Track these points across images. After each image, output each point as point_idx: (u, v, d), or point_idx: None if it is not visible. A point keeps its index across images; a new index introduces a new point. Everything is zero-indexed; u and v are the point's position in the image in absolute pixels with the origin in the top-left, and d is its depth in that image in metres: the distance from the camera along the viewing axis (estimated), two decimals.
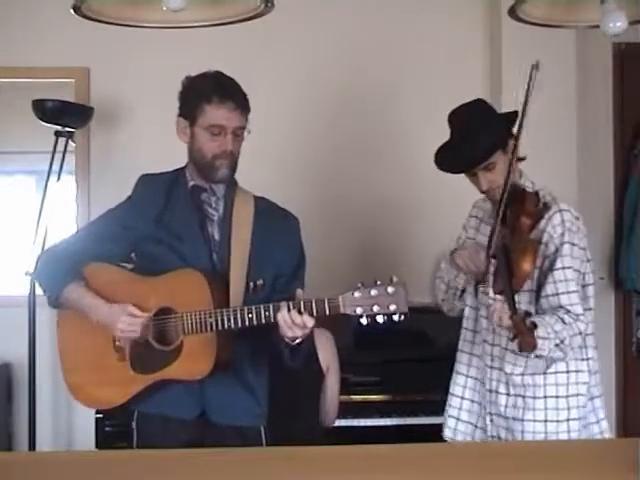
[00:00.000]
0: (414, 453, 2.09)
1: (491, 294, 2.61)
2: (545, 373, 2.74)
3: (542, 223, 2.70)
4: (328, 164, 4.35)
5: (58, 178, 4.06)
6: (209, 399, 2.59)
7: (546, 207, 2.71)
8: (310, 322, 2.37)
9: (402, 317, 2.32)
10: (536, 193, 2.71)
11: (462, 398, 2.94)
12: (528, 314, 2.47)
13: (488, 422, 2.84)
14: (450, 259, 2.86)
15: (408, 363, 3.68)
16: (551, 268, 2.69)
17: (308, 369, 3.30)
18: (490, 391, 2.83)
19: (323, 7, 4.31)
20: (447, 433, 2.96)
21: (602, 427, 2.83)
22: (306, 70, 4.31)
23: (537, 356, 2.59)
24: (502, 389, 2.80)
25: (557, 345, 2.58)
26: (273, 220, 2.66)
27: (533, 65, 2.61)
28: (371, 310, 2.31)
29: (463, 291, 2.93)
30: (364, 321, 2.33)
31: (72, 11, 2.42)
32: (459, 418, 2.94)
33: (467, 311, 2.93)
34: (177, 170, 2.70)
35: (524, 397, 2.76)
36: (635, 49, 4.45)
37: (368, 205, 4.34)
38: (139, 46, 4.11)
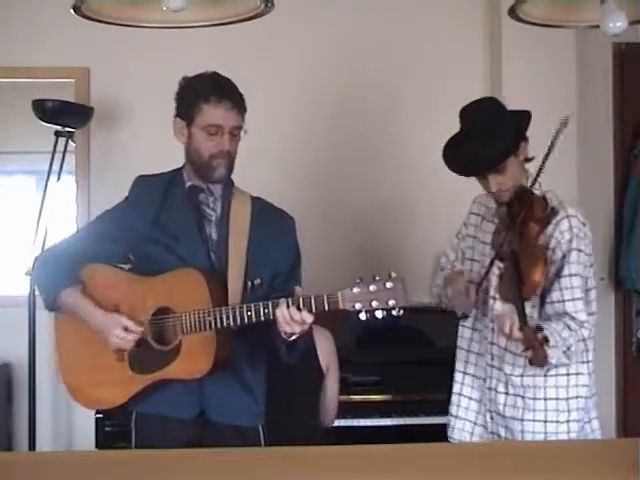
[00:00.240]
0: (414, 453, 2.10)
1: (497, 306, 2.62)
2: (546, 375, 2.74)
3: (549, 228, 2.69)
4: (328, 164, 4.35)
5: (58, 178, 4.06)
6: (208, 398, 2.59)
7: (554, 212, 2.70)
8: (309, 318, 2.37)
9: (401, 312, 2.32)
10: (544, 197, 2.70)
11: (463, 395, 2.94)
12: (540, 328, 2.46)
13: (488, 419, 2.85)
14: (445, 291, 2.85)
15: (408, 363, 3.67)
16: (558, 275, 2.68)
17: (307, 368, 3.31)
18: (490, 389, 2.83)
19: (323, 7, 4.31)
20: (449, 432, 2.96)
21: (593, 426, 2.83)
22: (306, 70, 4.31)
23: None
24: (501, 388, 2.80)
25: (564, 352, 2.59)
26: (269, 220, 2.67)
27: (562, 121, 2.60)
28: (370, 305, 2.31)
29: None
30: (363, 316, 2.32)
31: (72, 11, 2.43)
32: (460, 416, 2.94)
33: None
34: (174, 171, 2.71)
35: (523, 397, 2.76)
36: (635, 49, 4.45)
37: (367, 205, 4.34)
38: (139, 46, 4.11)
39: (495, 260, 2.66)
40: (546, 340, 2.45)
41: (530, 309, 2.66)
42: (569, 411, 2.75)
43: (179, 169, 2.70)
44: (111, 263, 2.69)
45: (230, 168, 2.62)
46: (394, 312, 2.32)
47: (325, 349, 3.37)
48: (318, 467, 1.97)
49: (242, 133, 2.61)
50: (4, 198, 4.84)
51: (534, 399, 2.75)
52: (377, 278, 2.33)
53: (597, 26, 2.55)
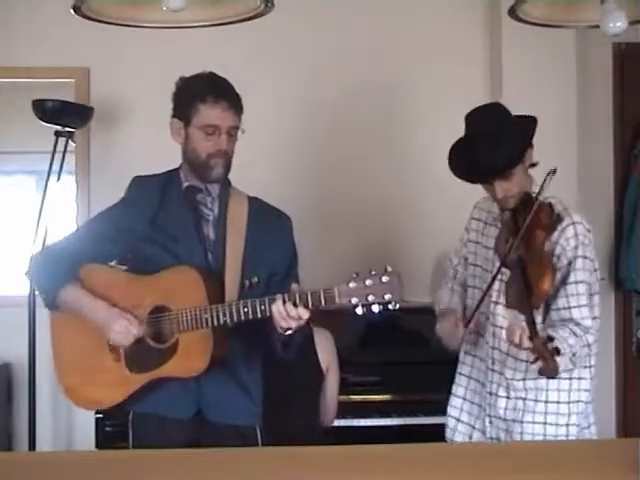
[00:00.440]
0: (414, 453, 2.09)
1: (503, 312, 2.60)
2: (548, 377, 2.74)
3: (555, 235, 2.69)
4: (327, 164, 4.35)
5: (58, 178, 4.06)
6: (205, 397, 2.59)
7: (559, 218, 2.69)
8: (305, 314, 2.38)
9: (397, 306, 2.32)
10: (549, 204, 2.69)
11: (463, 399, 2.94)
12: (550, 339, 2.45)
13: (487, 424, 2.84)
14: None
15: (408, 363, 3.67)
16: (564, 282, 2.68)
17: (308, 368, 3.31)
18: (490, 394, 2.83)
19: (323, 7, 4.31)
20: (447, 433, 2.96)
21: (592, 432, 2.83)
22: (306, 70, 4.31)
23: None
24: (502, 392, 2.80)
25: (570, 359, 2.58)
26: (266, 220, 2.67)
27: (550, 171, 2.60)
28: (366, 300, 2.31)
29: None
30: (359, 311, 2.32)
31: (72, 11, 2.43)
32: (459, 419, 2.94)
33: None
34: (170, 171, 2.71)
35: (524, 400, 2.76)
36: (635, 49, 4.44)
37: (368, 205, 4.34)
38: (139, 46, 4.11)
39: (500, 270, 2.66)
40: (557, 351, 2.44)
41: (534, 315, 2.66)
42: (569, 415, 2.74)
43: (175, 170, 2.70)
44: (108, 264, 2.70)
45: (227, 168, 2.63)
46: (390, 306, 2.32)
47: (325, 349, 3.37)
48: (318, 467, 1.97)
49: (239, 133, 2.62)
50: (4, 198, 4.84)
51: (535, 401, 2.75)
52: (373, 273, 2.33)
53: (597, 26, 2.55)
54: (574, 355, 2.59)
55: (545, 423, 2.74)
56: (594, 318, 2.72)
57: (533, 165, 2.78)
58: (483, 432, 2.86)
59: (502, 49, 4.22)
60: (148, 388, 2.58)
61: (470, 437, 2.90)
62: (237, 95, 2.60)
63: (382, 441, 2.09)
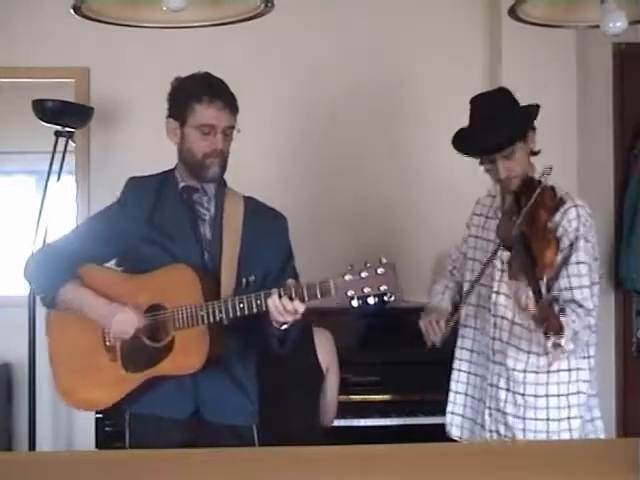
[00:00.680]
0: (414, 453, 2.09)
1: (503, 302, 2.60)
2: (549, 372, 2.75)
3: (557, 217, 2.70)
4: (327, 164, 4.35)
5: (58, 178, 4.06)
6: (202, 396, 2.59)
7: (561, 201, 2.72)
8: (301, 308, 2.38)
9: (392, 298, 2.32)
10: (552, 187, 2.72)
11: (465, 395, 2.95)
12: (555, 299, 2.47)
13: (487, 417, 2.85)
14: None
15: (408, 363, 3.67)
16: (565, 262, 2.69)
17: (308, 369, 3.31)
18: (491, 385, 2.84)
19: (323, 7, 4.31)
20: (453, 431, 2.97)
21: (596, 426, 2.83)
22: (306, 70, 4.31)
23: (554, 345, 2.56)
24: (502, 384, 2.81)
25: (572, 338, 2.57)
26: (262, 220, 2.68)
27: (545, 170, 2.66)
28: (362, 292, 2.31)
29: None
30: (355, 303, 2.32)
31: (72, 11, 2.43)
32: (464, 415, 2.95)
33: (467, 309, 2.93)
34: (165, 172, 2.72)
35: (524, 395, 2.77)
36: (635, 49, 4.44)
37: (367, 205, 4.34)
38: (139, 46, 4.11)
39: (499, 250, 2.66)
40: (562, 310, 2.45)
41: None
42: (569, 407, 2.75)
43: (171, 170, 2.71)
44: (105, 264, 2.70)
45: (223, 167, 2.63)
46: (386, 297, 2.32)
47: (325, 349, 3.37)
48: (318, 467, 1.97)
49: (235, 133, 2.63)
50: (4, 198, 4.84)
51: (535, 396, 2.76)
52: (368, 265, 2.33)
53: (597, 26, 2.55)
54: (576, 334, 2.58)
55: (548, 419, 2.75)
56: (595, 307, 2.71)
57: (535, 153, 2.79)
58: (482, 426, 2.86)
59: (502, 49, 4.22)
60: (145, 388, 2.58)
61: (472, 432, 2.91)
62: (232, 95, 2.61)
63: (382, 441, 2.09)
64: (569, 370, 2.75)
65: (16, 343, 4.05)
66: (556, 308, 2.46)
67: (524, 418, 2.76)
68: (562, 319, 2.47)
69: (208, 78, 2.62)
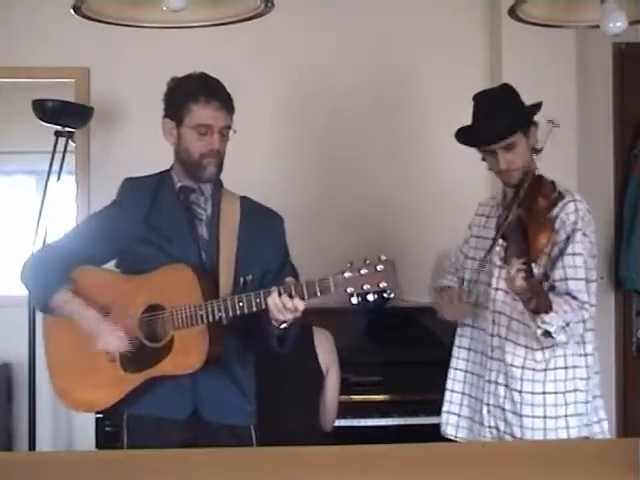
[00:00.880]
0: (414, 453, 2.09)
1: (502, 298, 2.59)
2: (546, 369, 2.75)
3: (555, 210, 2.70)
4: (327, 164, 4.35)
5: (58, 178, 4.06)
6: (201, 396, 2.59)
7: (561, 196, 2.72)
8: (301, 305, 2.38)
9: (392, 294, 2.32)
10: (552, 181, 2.73)
11: (462, 394, 2.95)
12: (546, 277, 2.47)
13: (485, 413, 2.84)
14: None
15: (408, 363, 3.67)
16: (561, 253, 2.69)
17: (307, 369, 3.31)
18: (489, 382, 2.84)
19: (323, 7, 4.31)
20: (449, 430, 2.97)
21: (603, 427, 2.83)
22: (306, 70, 4.31)
23: (544, 333, 2.56)
24: (501, 380, 2.81)
25: (563, 328, 2.57)
26: (258, 220, 2.68)
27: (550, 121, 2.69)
28: (361, 289, 2.32)
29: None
30: (355, 300, 2.32)
31: (72, 11, 2.43)
32: (460, 414, 2.95)
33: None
34: (162, 172, 2.72)
35: (521, 392, 2.77)
36: (635, 49, 4.45)
37: (367, 205, 4.34)
38: (139, 46, 4.11)
39: (497, 240, 2.66)
40: (552, 288, 2.44)
41: None
42: (566, 405, 2.75)
43: (167, 171, 2.71)
44: (102, 266, 2.70)
45: (220, 167, 2.64)
46: (385, 294, 2.32)
47: (325, 349, 3.37)
48: (317, 467, 1.97)
49: (231, 133, 2.63)
50: (4, 198, 4.84)
51: (532, 394, 2.76)
52: (368, 262, 2.34)
53: (597, 26, 2.55)
54: (568, 325, 2.57)
55: (545, 417, 2.75)
56: (591, 306, 2.71)
57: (538, 151, 2.80)
58: (481, 423, 2.86)
59: (502, 49, 4.22)
60: (144, 388, 2.58)
61: (471, 430, 2.91)
62: (228, 95, 2.62)
63: (382, 441, 2.09)
64: (565, 368, 2.75)
65: (16, 343, 4.05)
66: (546, 285, 2.44)
67: (521, 415, 2.76)
68: (554, 305, 2.47)
69: (204, 78, 2.62)
